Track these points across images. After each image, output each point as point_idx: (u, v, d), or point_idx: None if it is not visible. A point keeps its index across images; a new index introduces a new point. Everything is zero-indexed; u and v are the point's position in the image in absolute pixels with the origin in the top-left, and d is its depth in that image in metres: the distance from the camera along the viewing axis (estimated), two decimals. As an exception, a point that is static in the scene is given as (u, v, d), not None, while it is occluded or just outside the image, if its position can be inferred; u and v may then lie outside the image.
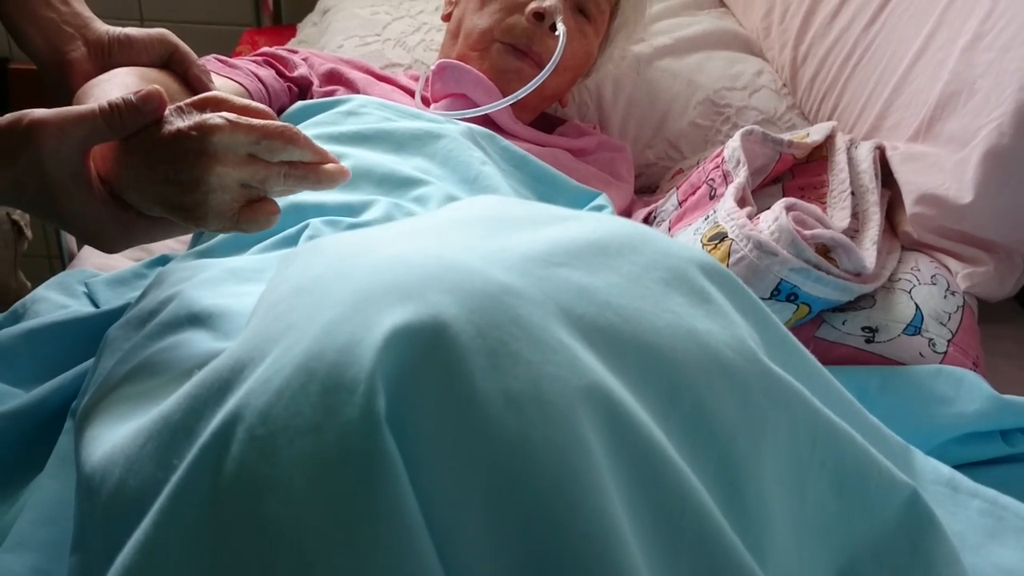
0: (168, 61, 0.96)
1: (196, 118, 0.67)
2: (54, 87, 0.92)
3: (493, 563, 0.44)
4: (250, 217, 0.69)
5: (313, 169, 0.69)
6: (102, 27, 0.94)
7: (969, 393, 0.90)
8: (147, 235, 0.73)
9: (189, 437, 0.48)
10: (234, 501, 0.44)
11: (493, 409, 0.44)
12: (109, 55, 0.93)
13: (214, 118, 0.66)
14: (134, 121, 0.68)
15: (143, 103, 0.67)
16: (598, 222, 0.59)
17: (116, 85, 0.83)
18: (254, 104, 0.71)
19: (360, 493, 0.43)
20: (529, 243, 0.53)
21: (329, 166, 0.70)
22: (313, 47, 1.59)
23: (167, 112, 0.68)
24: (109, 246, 0.74)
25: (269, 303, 0.52)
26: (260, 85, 1.13)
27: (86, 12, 0.94)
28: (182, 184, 0.66)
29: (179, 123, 0.67)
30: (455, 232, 0.57)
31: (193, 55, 0.97)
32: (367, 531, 0.43)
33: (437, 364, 0.45)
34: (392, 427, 0.44)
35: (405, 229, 0.58)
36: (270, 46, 1.73)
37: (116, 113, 0.67)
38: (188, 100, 0.69)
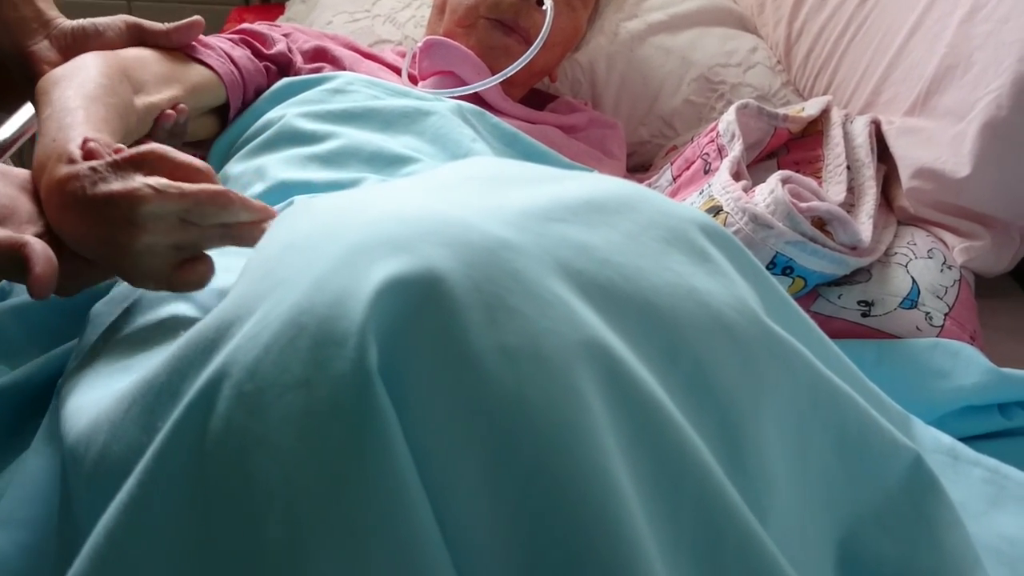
0: (140, 43, 0.98)
1: (128, 184, 0.66)
2: (22, 81, 0.94)
3: (490, 519, 0.43)
4: (182, 279, 0.69)
5: (251, 228, 0.69)
6: (67, 22, 0.96)
7: (966, 367, 0.90)
8: (101, 277, 0.73)
9: (174, 398, 0.47)
10: (221, 458, 0.43)
11: (489, 363, 0.43)
12: (73, 42, 0.95)
13: (143, 188, 0.65)
14: None
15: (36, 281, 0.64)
16: (596, 181, 0.58)
17: (77, 92, 0.83)
18: (194, 162, 0.69)
19: (352, 448, 0.42)
20: (527, 200, 0.52)
21: (269, 224, 0.69)
22: (301, 24, 1.58)
23: (103, 167, 0.67)
24: (62, 292, 0.73)
25: (257, 262, 0.51)
26: (232, 67, 1.10)
27: (51, 12, 0.96)
28: (114, 247, 0.66)
29: (113, 184, 0.66)
30: (451, 189, 0.56)
31: (161, 27, 1.00)
32: (359, 486, 0.42)
33: (431, 316, 0.44)
34: (385, 380, 0.43)
35: (398, 187, 0.57)
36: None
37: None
38: (125, 154, 0.68)
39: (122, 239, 0.65)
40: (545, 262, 0.48)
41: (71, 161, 0.70)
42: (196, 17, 1.03)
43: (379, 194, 0.55)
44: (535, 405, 0.43)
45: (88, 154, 0.70)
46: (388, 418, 0.42)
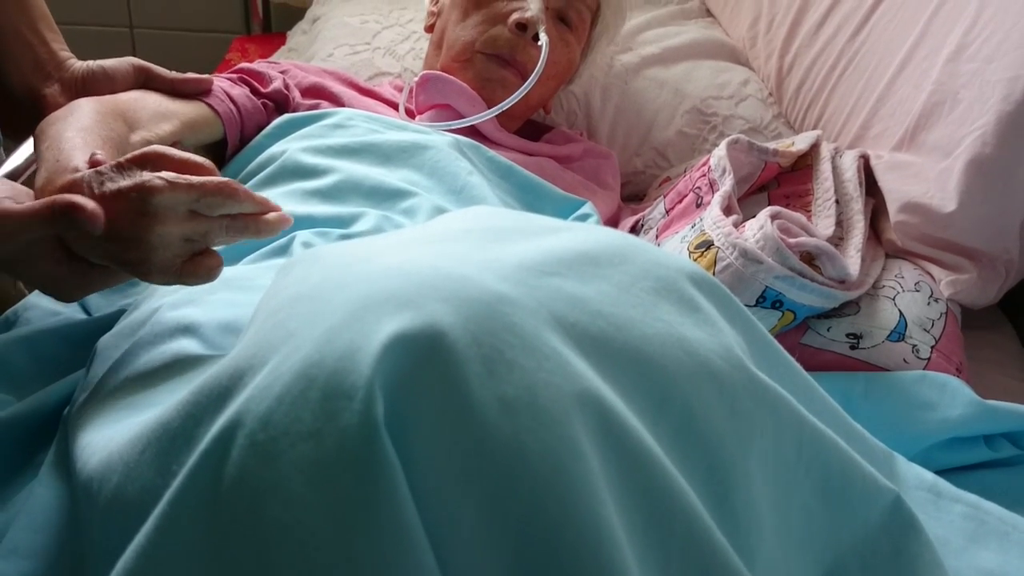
0: (145, 85, 0.99)
1: (136, 179, 0.68)
2: (34, 121, 0.95)
3: (489, 563, 0.45)
4: (192, 271, 0.71)
5: (254, 219, 0.71)
6: (78, 64, 0.98)
7: (953, 398, 0.91)
8: (103, 283, 0.74)
9: (189, 443, 0.49)
10: (235, 505, 0.45)
11: (489, 415, 0.46)
12: (84, 86, 0.97)
13: (153, 180, 0.67)
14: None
15: (92, 217, 0.66)
16: (589, 233, 0.60)
17: (72, 126, 0.85)
18: (194, 158, 0.72)
19: (359, 496, 0.44)
20: (523, 253, 0.55)
21: (271, 215, 0.72)
22: (303, 55, 1.60)
23: (108, 169, 0.69)
24: (67, 297, 0.75)
25: (268, 311, 0.53)
26: (231, 106, 1.12)
27: (64, 52, 0.98)
28: (126, 241, 0.68)
29: (121, 182, 0.68)
30: (451, 242, 0.58)
31: (167, 72, 1.02)
32: (366, 533, 0.44)
33: (434, 371, 0.46)
34: (391, 432, 0.45)
35: (402, 239, 0.59)
36: (260, 54, 1.75)
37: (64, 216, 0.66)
38: (127, 156, 0.70)
39: (136, 231, 0.67)
40: (540, 315, 0.50)
41: (76, 171, 0.72)
42: (207, 76, 1.06)
43: (382, 246, 0.57)
44: (532, 454, 0.45)
45: (93, 165, 0.72)
46: (393, 467, 0.45)
